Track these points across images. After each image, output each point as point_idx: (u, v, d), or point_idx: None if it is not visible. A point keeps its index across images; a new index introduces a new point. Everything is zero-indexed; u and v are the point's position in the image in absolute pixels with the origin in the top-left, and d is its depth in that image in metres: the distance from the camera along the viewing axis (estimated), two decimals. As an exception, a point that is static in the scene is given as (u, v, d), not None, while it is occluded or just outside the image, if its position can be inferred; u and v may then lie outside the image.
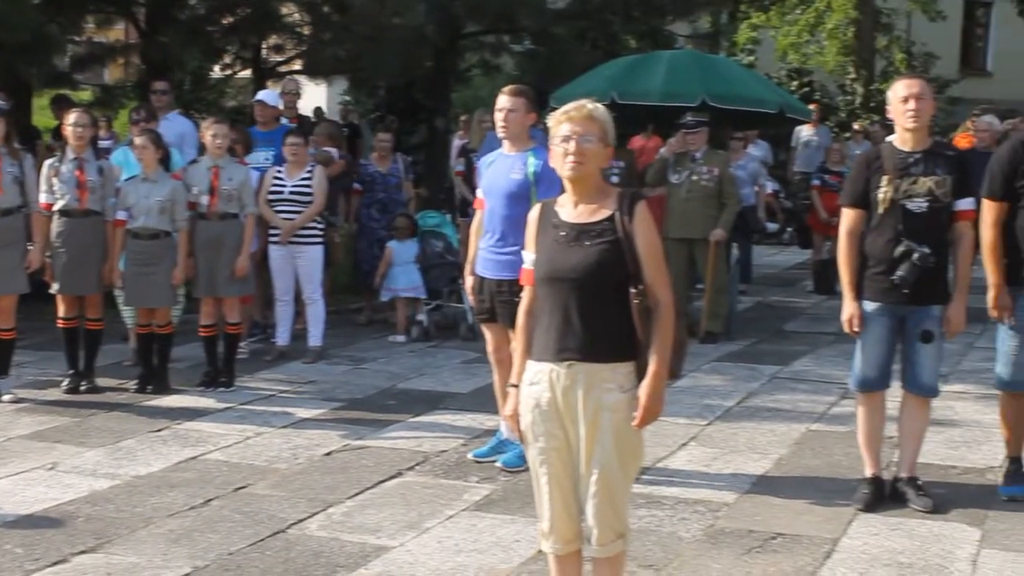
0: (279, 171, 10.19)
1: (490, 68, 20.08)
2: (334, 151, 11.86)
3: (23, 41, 11.87)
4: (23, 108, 14.96)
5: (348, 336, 11.35)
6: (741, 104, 12.90)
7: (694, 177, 11.18)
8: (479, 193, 7.15)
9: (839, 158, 14.77)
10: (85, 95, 17.68)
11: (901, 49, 29.68)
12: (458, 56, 19.27)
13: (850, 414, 7.34)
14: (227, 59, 17.40)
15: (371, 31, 14.59)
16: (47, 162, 9.11)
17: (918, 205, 6.22)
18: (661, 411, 4.32)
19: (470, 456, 7.34)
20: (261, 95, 11.77)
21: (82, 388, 8.94)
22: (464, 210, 12.22)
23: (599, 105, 4.40)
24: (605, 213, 4.34)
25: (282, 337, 10.43)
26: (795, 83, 27.43)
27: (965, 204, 6.31)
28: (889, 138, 6.51)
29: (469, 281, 7.19)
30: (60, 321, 9.06)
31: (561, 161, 4.33)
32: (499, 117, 6.95)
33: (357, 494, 6.66)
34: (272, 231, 10.14)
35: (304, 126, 11.74)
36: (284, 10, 15.66)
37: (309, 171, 10.15)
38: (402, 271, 11.31)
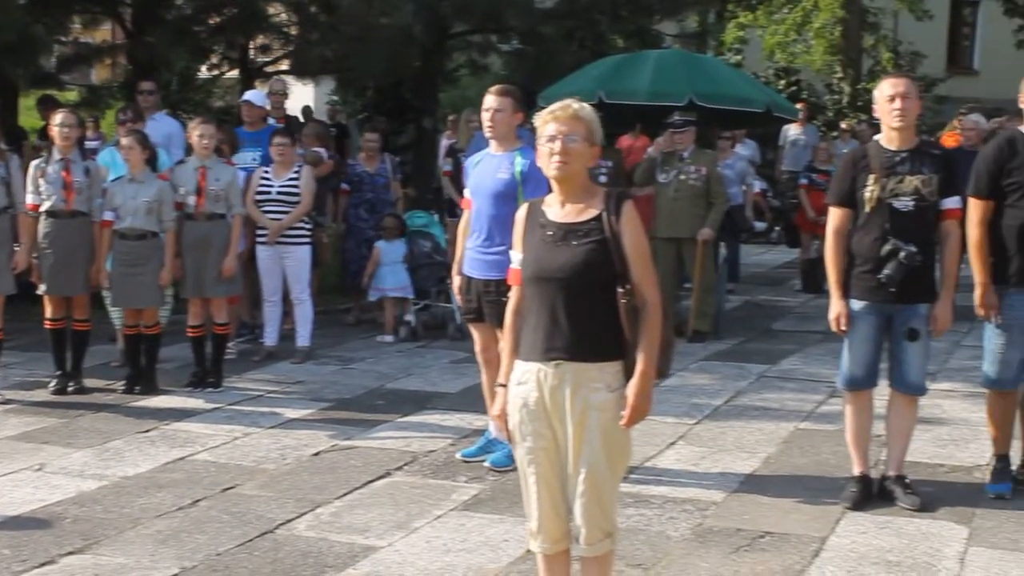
0: (266, 171, 10.18)
1: (478, 68, 20.07)
2: (323, 151, 11.85)
3: (9, 41, 11.83)
4: (9, 109, 14.97)
5: (336, 336, 11.34)
6: (728, 103, 12.91)
7: (682, 176, 11.19)
8: (466, 193, 7.15)
9: (826, 157, 14.78)
10: (72, 95, 17.64)
11: (888, 48, 29.74)
12: (446, 56, 19.26)
13: (838, 413, 7.35)
14: (214, 59, 17.37)
15: (358, 31, 14.57)
16: (33, 163, 9.09)
17: (904, 204, 6.23)
18: (649, 410, 4.32)
19: (458, 456, 7.34)
20: (248, 95, 11.75)
21: (70, 389, 8.92)
22: (452, 210, 12.22)
23: (585, 105, 4.40)
24: (592, 213, 4.34)
25: (270, 337, 10.42)
26: (782, 82, 27.47)
27: (951, 203, 6.32)
28: (876, 137, 6.52)
29: (456, 281, 7.19)
30: (47, 322, 9.04)
31: (547, 161, 4.34)
32: (486, 117, 6.94)
33: (345, 494, 6.65)
34: (260, 231, 10.13)
35: (291, 126, 11.73)
36: (271, 10, 15.64)
37: (296, 171, 10.14)
38: (390, 271, 11.31)
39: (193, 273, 9.13)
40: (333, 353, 10.59)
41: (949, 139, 13.31)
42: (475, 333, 7.14)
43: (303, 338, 10.33)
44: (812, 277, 14.16)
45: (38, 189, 8.84)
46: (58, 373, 9.01)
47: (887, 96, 6.25)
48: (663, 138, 11.66)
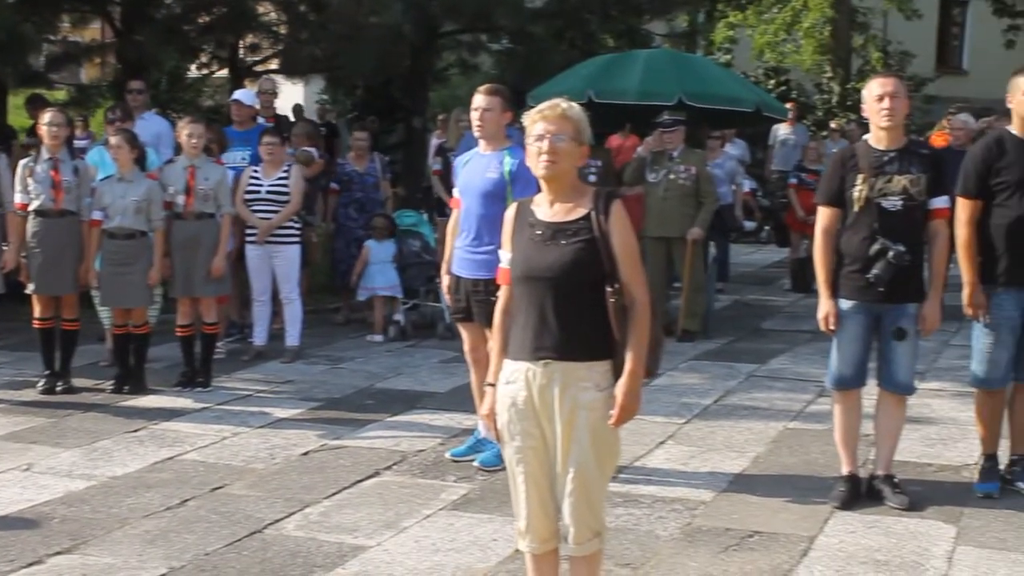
0: (255, 171, 10.17)
1: (468, 67, 20.06)
2: (314, 151, 11.84)
3: (-2, 40, 11.82)
4: (-2, 107, 14.93)
5: (325, 336, 11.34)
6: (718, 103, 12.92)
7: (671, 176, 11.20)
8: (455, 192, 7.14)
9: (816, 156, 14.79)
10: (60, 94, 17.61)
11: (877, 48, 29.79)
12: (435, 55, 19.23)
13: (827, 412, 7.36)
14: (203, 58, 17.35)
15: (348, 30, 14.55)
16: (22, 162, 9.07)
17: (893, 203, 6.24)
18: (637, 410, 4.33)
19: (448, 455, 7.34)
20: (237, 94, 11.74)
21: (58, 389, 8.90)
22: (442, 209, 12.21)
23: (573, 104, 4.40)
24: (581, 212, 4.34)
25: (259, 337, 10.41)
26: (772, 82, 27.49)
27: (939, 202, 6.33)
28: (865, 137, 6.53)
29: (445, 280, 7.18)
30: (36, 322, 9.02)
31: (535, 160, 4.34)
32: (475, 116, 6.94)
33: (334, 494, 6.65)
34: (249, 231, 10.12)
35: (281, 125, 11.72)
36: (260, 9, 15.59)
37: (286, 171, 10.13)
38: (379, 270, 11.30)
39: (182, 272, 9.11)
40: (322, 353, 10.58)
41: (938, 139, 13.35)
42: (464, 332, 7.14)
43: (292, 338, 10.32)
44: (801, 276, 14.17)
45: (27, 188, 8.81)
46: (46, 373, 8.99)
47: (875, 96, 6.26)
48: (653, 137, 11.66)
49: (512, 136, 6.97)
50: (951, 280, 6.52)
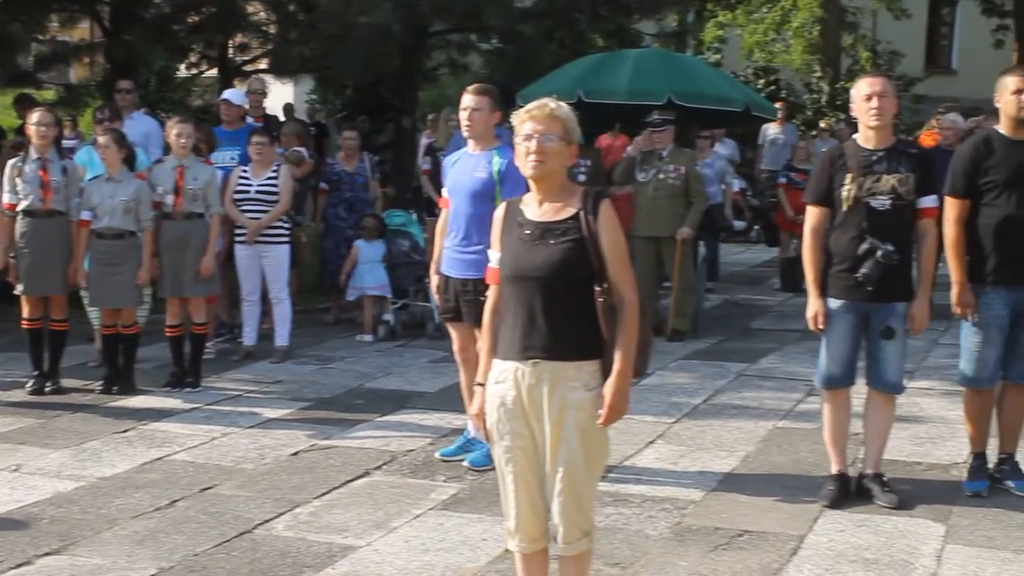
0: (245, 170, 10.16)
1: (457, 67, 20.03)
2: (304, 151, 11.83)
3: (-14, 40, 11.80)
4: (-14, 107, 14.90)
5: (315, 336, 11.33)
6: (707, 102, 12.94)
7: (661, 175, 11.20)
8: (444, 192, 7.14)
9: (805, 156, 14.80)
10: (49, 94, 17.56)
11: (866, 47, 29.82)
12: (425, 55, 19.22)
13: (816, 411, 7.37)
14: (193, 58, 17.33)
15: (337, 30, 14.55)
16: (10, 162, 9.04)
17: (882, 203, 6.25)
18: (626, 409, 4.33)
19: (437, 455, 7.34)
20: (227, 94, 11.73)
21: (47, 389, 8.89)
22: (431, 209, 12.20)
23: (562, 104, 4.41)
24: (570, 211, 4.35)
25: (249, 337, 10.40)
26: (761, 81, 27.52)
27: (928, 201, 6.34)
28: (854, 136, 6.54)
29: (434, 280, 7.18)
30: (24, 322, 8.99)
31: (523, 160, 4.34)
32: (463, 116, 6.94)
33: (324, 494, 6.64)
34: (238, 230, 10.11)
35: (270, 125, 11.70)
36: (250, 9, 15.58)
37: (275, 170, 10.12)
38: (368, 270, 11.30)
39: (171, 273, 9.10)
40: (312, 352, 10.57)
41: (927, 138, 13.37)
42: (453, 332, 7.13)
43: (282, 338, 10.31)
44: (791, 276, 14.17)
45: (15, 188, 8.79)
46: (35, 373, 8.97)
47: (864, 95, 6.27)
48: (642, 137, 11.67)
49: (501, 136, 6.97)
50: (939, 279, 6.53)
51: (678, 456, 7.42)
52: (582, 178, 11.10)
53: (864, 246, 6.22)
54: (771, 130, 18.75)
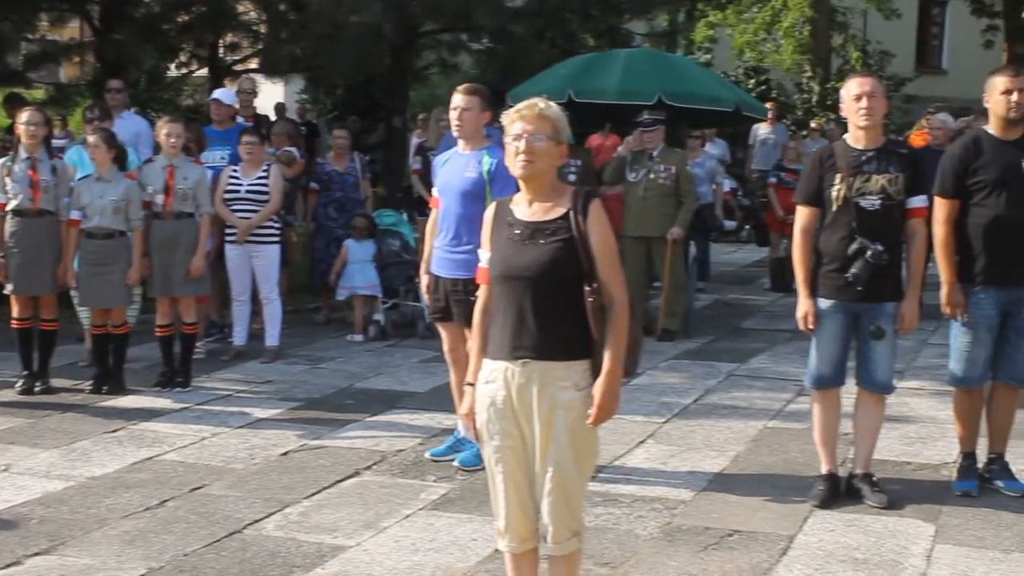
0: (235, 170, 10.15)
1: (448, 66, 20.05)
2: (295, 150, 11.82)
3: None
4: (-24, 107, 14.86)
5: (305, 336, 11.32)
6: (698, 102, 12.95)
7: (651, 175, 11.20)
8: (434, 192, 7.14)
9: (795, 156, 14.81)
10: (39, 93, 17.55)
11: (857, 47, 29.85)
12: (415, 54, 19.23)
13: (806, 411, 7.37)
14: (183, 57, 17.32)
15: (328, 29, 14.55)
16: (0, 161, 9.03)
17: (871, 203, 6.26)
18: (616, 409, 4.33)
19: (427, 455, 7.33)
20: (217, 94, 11.71)
21: (36, 389, 8.87)
22: (422, 209, 12.18)
23: (551, 103, 4.41)
24: (559, 211, 4.35)
25: (239, 337, 10.39)
26: (752, 81, 27.55)
27: (917, 202, 6.35)
28: (844, 136, 6.55)
29: (424, 280, 7.17)
30: (14, 322, 8.98)
31: (513, 160, 4.35)
32: (453, 116, 6.93)
33: (314, 494, 6.64)
34: (228, 230, 10.10)
35: (260, 125, 11.69)
36: (240, 8, 15.58)
37: (265, 170, 10.11)
38: (358, 269, 11.29)
39: (161, 272, 9.09)
40: (302, 352, 10.56)
41: (917, 138, 13.37)
42: (443, 332, 7.13)
43: (272, 337, 10.30)
44: (781, 276, 14.18)
45: (4, 188, 8.78)
46: (25, 373, 8.95)
47: (853, 95, 6.28)
48: (632, 137, 11.68)
49: (491, 136, 6.96)
50: (929, 279, 6.55)
51: (668, 456, 7.42)
52: (572, 178, 11.10)
53: (854, 246, 6.23)
54: (761, 130, 18.74)
